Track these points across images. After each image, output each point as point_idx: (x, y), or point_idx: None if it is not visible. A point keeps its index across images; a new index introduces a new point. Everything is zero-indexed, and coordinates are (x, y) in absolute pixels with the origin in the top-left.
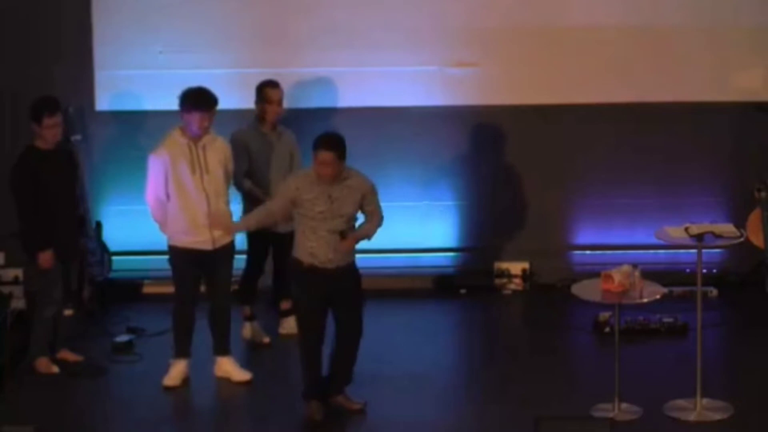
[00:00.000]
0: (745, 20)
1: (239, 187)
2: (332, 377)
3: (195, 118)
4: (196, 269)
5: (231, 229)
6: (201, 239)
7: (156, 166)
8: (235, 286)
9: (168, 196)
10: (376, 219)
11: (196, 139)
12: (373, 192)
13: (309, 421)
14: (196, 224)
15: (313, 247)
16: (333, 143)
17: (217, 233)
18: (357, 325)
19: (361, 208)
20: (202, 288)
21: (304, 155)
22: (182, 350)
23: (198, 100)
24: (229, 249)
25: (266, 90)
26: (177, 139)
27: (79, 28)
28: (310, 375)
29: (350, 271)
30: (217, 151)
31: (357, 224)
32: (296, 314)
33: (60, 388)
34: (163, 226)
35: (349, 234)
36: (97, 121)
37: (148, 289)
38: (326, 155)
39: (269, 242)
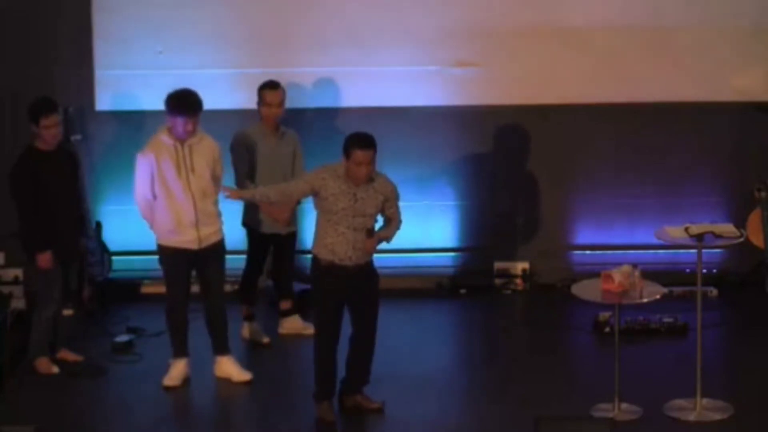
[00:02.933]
0: (745, 20)
1: (241, 188)
2: (349, 377)
3: (179, 122)
4: (185, 268)
5: (234, 194)
6: (187, 239)
7: (142, 166)
8: (236, 286)
9: (155, 196)
10: (395, 223)
11: (182, 140)
12: (395, 196)
13: (320, 423)
14: (182, 224)
15: (332, 244)
16: (371, 142)
17: (203, 232)
18: (373, 324)
19: (382, 210)
20: (196, 288)
21: (306, 156)
22: (180, 350)
23: (181, 104)
24: (218, 247)
25: (264, 92)
26: (163, 139)
27: (79, 28)
28: (323, 374)
29: (369, 270)
30: (204, 151)
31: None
32: (313, 312)
33: (60, 388)
34: (151, 225)
35: (374, 234)
36: (97, 121)
37: (147, 289)
38: (366, 154)
39: (269, 243)
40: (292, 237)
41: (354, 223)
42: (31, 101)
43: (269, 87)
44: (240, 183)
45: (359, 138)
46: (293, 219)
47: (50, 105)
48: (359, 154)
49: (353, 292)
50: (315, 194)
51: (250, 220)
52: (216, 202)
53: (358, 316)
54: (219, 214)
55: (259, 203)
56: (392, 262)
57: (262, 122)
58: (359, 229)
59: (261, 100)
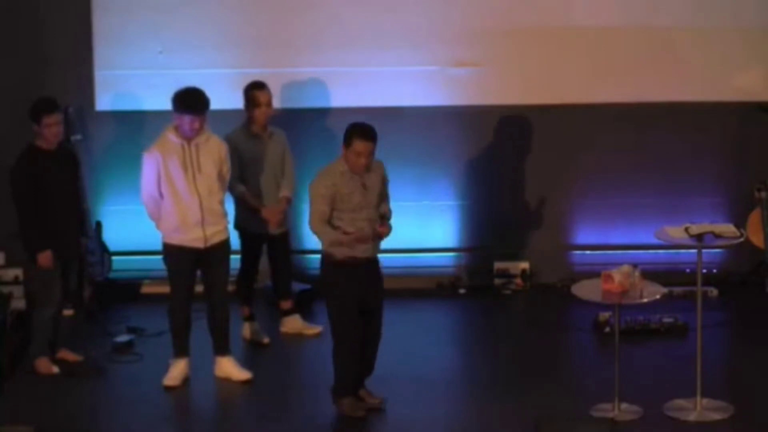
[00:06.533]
0: (745, 20)
1: (231, 190)
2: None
3: (186, 121)
4: (190, 267)
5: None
6: (193, 237)
7: (149, 164)
8: (234, 287)
9: (161, 195)
10: (389, 200)
11: (189, 138)
12: (386, 174)
13: (348, 418)
14: (188, 223)
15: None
16: (372, 133)
17: (209, 231)
18: (380, 319)
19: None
20: (199, 287)
21: (306, 156)
22: (181, 349)
23: (189, 102)
24: (223, 247)
25: (253, 92)
26: (170, 138)
27: (79, 28)
28: (350, 373)
29: (377, 263)
30: (211, 150)
31: None
32: (332, 316)
33: (60, 388)
34: (158, 223)
35: (384, 219)
36: (97, 121)
37: (147, 289)
38: (368, 145)
39: (262, 242)
40: (286, 237)
41: (368, 214)
42: (33, 101)
43: (259, 87)
44: (231, 185)
45: (361, 129)
46: (284, 219)
47: (52, 104)
48: (359, 145)
49: (367, 287)
50: (333, 202)
51: (242, 222)
52: (222, 202)
53: (368, 309)
54: (225, 214)
55: (250, 206)
56: (392, 262)
57: (251, 123)
58: (371, 219)
59: (251, 101)
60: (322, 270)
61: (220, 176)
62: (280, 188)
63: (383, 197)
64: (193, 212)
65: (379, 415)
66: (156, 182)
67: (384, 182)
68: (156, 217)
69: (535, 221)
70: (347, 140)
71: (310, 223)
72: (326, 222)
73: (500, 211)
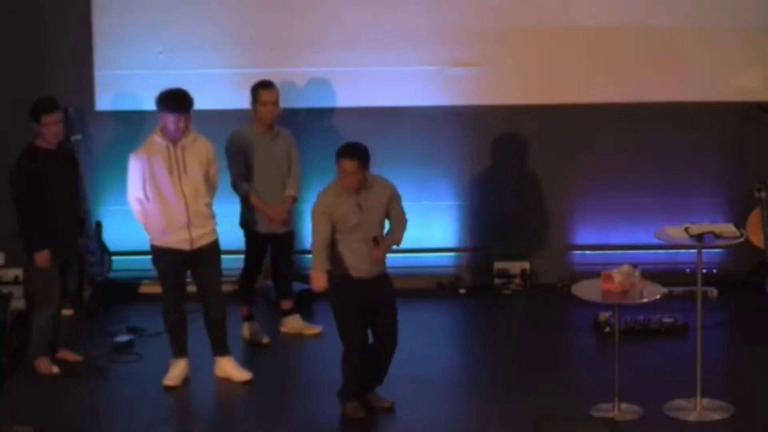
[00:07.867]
0: (744, 20)
1: (236, 189)
2: (367, 379)
3: (170, 120)
4: (178, 268)
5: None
6: (179, 239)
7: (134, 167)
8: (235, 287)
9: (147, 197)
10: (402, 224)
11: (175, 139)
12: (397, 196)
13: (350, 420)
14: (173, 225)
15: (349, 261)
16: (355, 151)
17: (195, 233)
18: (394, 332)
19: (387, 214)
20: (193, 288)
21: (307, 156)
22: (179, 349)
23: (172, 102)
24: (211, 249)
25: (260, 91)
26: (156, 140)
27: (79, 28)
28: (356, 379)
29: (386, 278)
30: (198, 151)
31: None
32: (338, 327)
33: (60, 388)
34: (145, 226)
35: (381, 241)
36: (97, 121)
37: (147, 289)
38: (350, 164)
39: (267, 242)
40: (290, 236)
41: (365, 235)
42: (33, 101)
43: (265, 86)
44: (235, 184)
45: (345, 148)
46: (289, 218)
47: (52, 103)
48: (344, 163)
49: (374, 302)
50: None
51: (246, 221)
52: (209, 204)
53: (379, 325)
54: (212, 216)
55: (255, 204)
56: (392, 262)
57: (257, 122)
58: (369, 241)
59: (257, 100)
60: (327, 289)
61: (207, 178)
62: (285, 187)
63: (397, 216)
64: (179, 215)
65: (379, 416)
66: (141, 185)
67: (392, 200)
68: (143, 220)
69: (538, 231)
70: (336, 160)
71: (311, 244)
72: (326, 246)
73: (500, 211)
